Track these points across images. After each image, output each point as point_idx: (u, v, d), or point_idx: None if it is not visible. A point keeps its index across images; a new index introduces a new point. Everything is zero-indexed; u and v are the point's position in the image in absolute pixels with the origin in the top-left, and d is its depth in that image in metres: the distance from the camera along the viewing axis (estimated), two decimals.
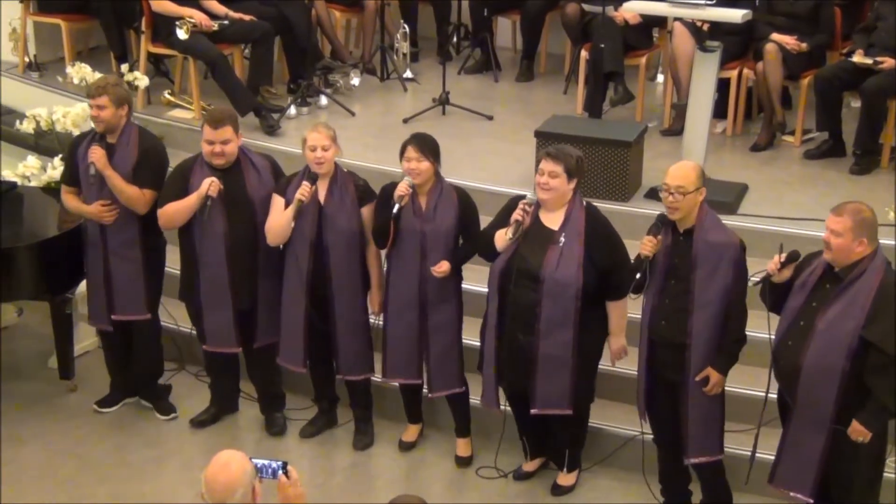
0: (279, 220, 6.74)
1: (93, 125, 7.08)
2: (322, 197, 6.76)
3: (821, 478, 5.81)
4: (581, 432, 6.73)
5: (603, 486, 6.83)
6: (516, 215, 6.34)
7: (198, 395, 7.49)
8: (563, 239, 6.28)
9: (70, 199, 7.15)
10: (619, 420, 6.90)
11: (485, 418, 6.95)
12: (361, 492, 6.87)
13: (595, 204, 6.53)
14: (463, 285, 6.86)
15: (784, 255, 5.82)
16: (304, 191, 6.68)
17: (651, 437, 6.58)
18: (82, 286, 7.58)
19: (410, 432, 7.19)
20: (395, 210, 6.58)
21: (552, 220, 6.34)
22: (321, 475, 6.94)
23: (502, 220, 6.47)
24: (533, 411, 6.48)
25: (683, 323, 6.04)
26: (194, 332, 7.32)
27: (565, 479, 6.78)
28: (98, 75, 8.75)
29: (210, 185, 6.74)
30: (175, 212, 6.85)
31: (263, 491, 4.50)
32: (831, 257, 5.66)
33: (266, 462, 4.56)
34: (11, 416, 7.34)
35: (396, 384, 7.06)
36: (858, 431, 5.63)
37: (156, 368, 7.51)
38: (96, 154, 6.91)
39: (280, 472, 4.56)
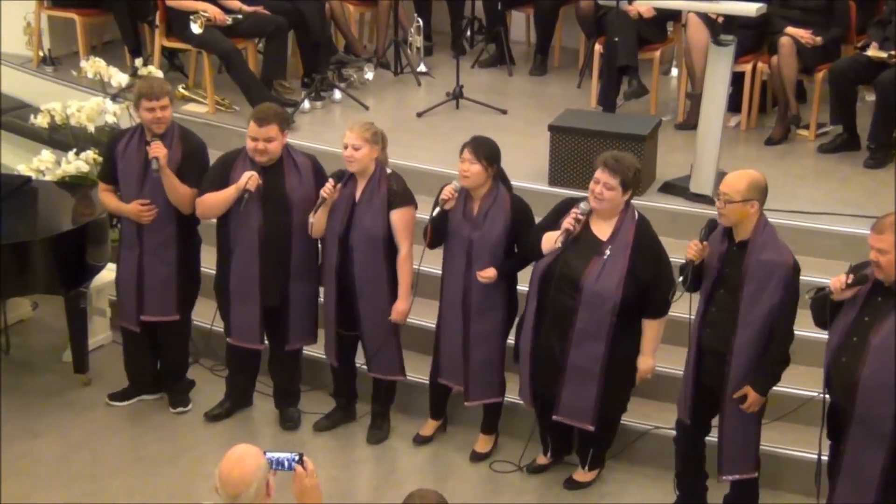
0: (316, 217, 6.77)
1: (104, 123, 7.07)
2: (358, 195, 6.76)
3: (882, 497, 5.66)
4: (608, 435, 6.70)
5: (617, 479, 6.82)
6: (567, 224, 6.24)
7: (212, 389, 7.49)
8: (608, 251, 6.20)
9: (108, 198, 7.12)
10: (634, 414, 6.87)
11: (502, 413, 6.97)
12: (376, 486, 6.88)
13: None
14: None
15: (851, 278, 5.62)
16: (326, 188, 6.69)
17: (665, 431, 6.58)
18: (97, 280, 7.60)
19: (429, 427, 7.18)
20: (435, 212, 6.56)
21: (602, 229, 6.27)
22: (335, 468, 6.94)
23: (551, 221, 6.39)
24: (554, 417, 6.48)
25: (727, 334, 5.95)
26: (212, 326, 7.33)
27: (583, 475, 6.76)
28: (113, 70, 8.78)
29: (249, 178, 6.74)
30: (212, 202, 6.85)
31: (279, 481, 4.51)
32: (884, 276, 5.50)
33: (281, 455, 4.57)
34: (26, 410, 7.36)
35: (414, 379, 7.07)
36: None
37: (182, 367, 7.50)
38: (161, 150, 6.86)
39: (295, 463, 4.57)
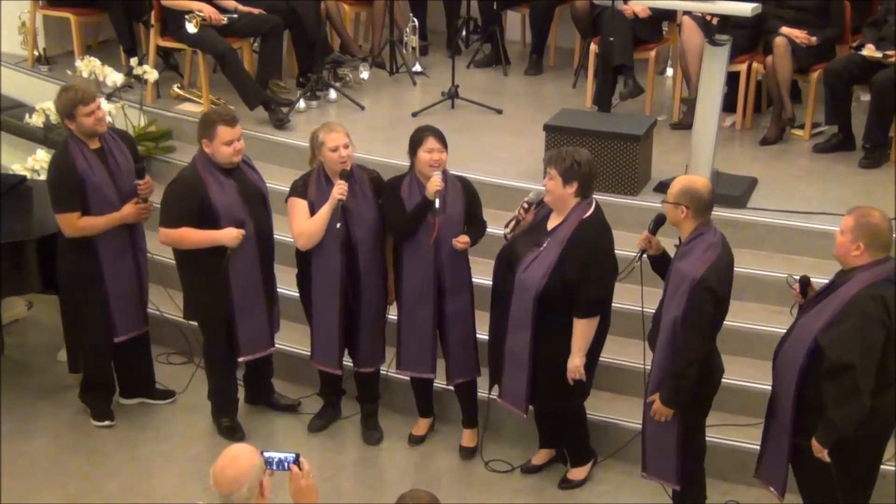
0: (315, 223, 6.67)
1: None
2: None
3: (786, 475, 5.76)
4: (571, 430, 6.73)
5: (612, 479, 6.83)
6: (516, 211, 6.49)
7: (204, 388, 7.43)
8: (546, 243, 6.29)
9: (91, 220, 6.81)
10: (629, 414, 6.88)
11: (497, 412, 6.95)
12: (371, 485, 6.87)
13: (603, 197, 6.52)
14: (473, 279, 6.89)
15: (798, 285, 5.76)
16: (342, 189, 6.61)
17: None
18: None
19: (421, 426, 7.20)
20: (437, 204, 6.57)
21: (553, 222, 6.37)
22: (330, 468, 6.94)
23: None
24: (498, 400, 6.63)
25: (656, 334, 6.00)
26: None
27: (574, 473, 6.79)
28: (108, 69, 8.79)
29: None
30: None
31: (275, 481, 4.51)
32: (835, 254, 5.59)
33: (278, 455, 4.57)
34: (21, 410, 7.35)
35: (407, 378, 7.08)
36: (815, 448, 5.50)
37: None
38: (147, 187, 6.95)
39: (291, 463, 4.57)
